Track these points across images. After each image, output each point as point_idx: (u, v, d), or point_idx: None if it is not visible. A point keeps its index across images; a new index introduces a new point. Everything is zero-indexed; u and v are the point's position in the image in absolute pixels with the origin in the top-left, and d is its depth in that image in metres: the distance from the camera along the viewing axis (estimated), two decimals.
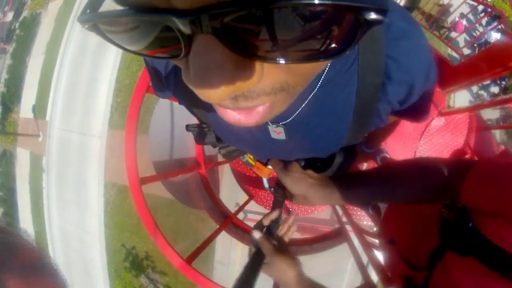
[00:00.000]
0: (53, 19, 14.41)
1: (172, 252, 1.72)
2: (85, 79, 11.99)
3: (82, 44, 12.26)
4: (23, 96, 15.24)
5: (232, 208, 2.86)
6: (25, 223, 15.19)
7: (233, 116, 0.41)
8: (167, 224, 9.77)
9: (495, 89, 6.39)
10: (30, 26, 15.63)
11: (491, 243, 0.65)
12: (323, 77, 0.62)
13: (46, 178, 13.38)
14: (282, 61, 0.29)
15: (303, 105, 0.67)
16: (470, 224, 0.72)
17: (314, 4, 0.23)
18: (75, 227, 12.55)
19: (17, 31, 16.50)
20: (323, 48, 0.29)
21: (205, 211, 3.05)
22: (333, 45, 0.29)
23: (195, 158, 2.70)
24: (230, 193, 6.63)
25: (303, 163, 1.01)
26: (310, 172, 0.98)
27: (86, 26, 0.31)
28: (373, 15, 0.24)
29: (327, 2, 0.23)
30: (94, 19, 0.30)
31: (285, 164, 1.02)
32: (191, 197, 3.02)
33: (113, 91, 11.08)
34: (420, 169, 0.90)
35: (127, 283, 11.15)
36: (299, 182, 0.96)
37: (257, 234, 0.96)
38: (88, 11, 0.33)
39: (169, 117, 2.67)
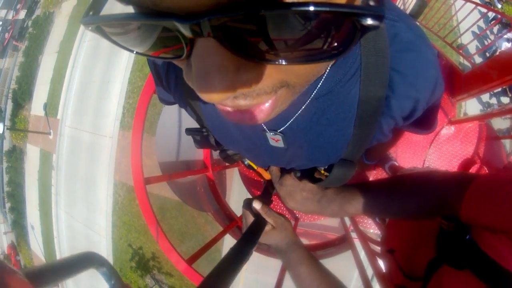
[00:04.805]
0: (67, 19, 14.59)
1: (173, 252, 1.71)
2: (97, 79, 12.13)
3: (96, 44, 12.39)
4: (34, 94, 15.46)
5: (241, 213, 2.85)
6: (32, 219, 15.35)
7: (236, 115, 0.41)
8: (176, 226, 9.79)
9: (505, 99, 6.33)
10: (43, 25, 15.87)
11: (488, 257, 0.64)
12: (320, 85, 0.61)
13: (55, 175, 13.52)
14: (281, 63, 0.30)
15: (299, 112, 0.66)
16: (468, 237, 0.72)
17: (311, 12, 0.24)
18: (82, 225, 12.65)
19: (30, 29, 16.76)
20: (321, 50, 0.29)
21: (211, 214, 3.04)
22: (331, 47, 0.29)
23: (202, 161, 2.70)
24: (240, 197, 6.62)
25: (298, 174, 1.01)
26: (305, 182, 0.98)
27: (89, 28, 0.31)
28: (369, 21, 0.25)
29: (324, 9, 0.24)
30: (97, 21, 0.31)
31: (281, 175, 1.03)
32: (197, 199, 3.01)
33: (125, 93, 11.22)
34: (417, 186, 0.89)
35: (132, 282, 11.17)
36: (292, 195, 0.98)
37: (258, 205, 0.98)
38: (91, 13, 0.34)
39: (177, 118, 2.67)
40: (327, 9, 0.24)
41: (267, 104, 0.39)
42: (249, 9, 0.24)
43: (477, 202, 0.71)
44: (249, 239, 0.85)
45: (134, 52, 0.36)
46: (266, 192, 1.14)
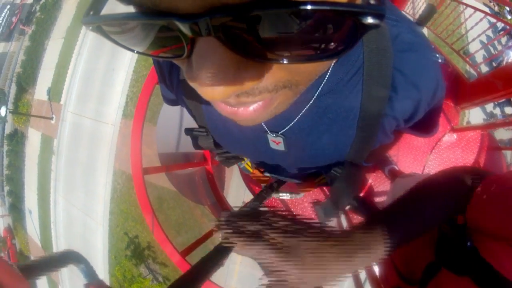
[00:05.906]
0: (75, 5, 14.57)
1: (167, 244, 1.71)
2: (102, 66, 12.13)
3: None
4: (39, 78, 15.45)
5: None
6: (30, 203, 15.37)
7: (230, 109, 0.41)
8: (173, 217, 9.78)
9: (509, 110, 6.31)
10: (51, 10, 15.84)
11: (488, 265, 0.63)
12: (323, 84, 0.60)
13: (55, 160, 13.53)
14: (282, 61, 0.30)
15: (302, 112, 0.65)
16: (469, 244, 0.71)
17: (311, 10, 0.24)
18: (80, 211, 12.66)
19: (37, 14, 16.71)
20: (322, 49, 0.29)
21: (207, 207, 3.04)
22: (332, 46, 0.29)
23: (202, 153, 2.70)
24: (238, 192, 6.59)
25: (297, 181, 0.98)
26: (304, 222, 0.65)
27: (90, 27, 0.31)
28: (370, 20, 0.25)
29: (324, 8, 0.24)
30: (97, 21, 0.31)
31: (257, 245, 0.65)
32: (195, 192, 3.01)
33: (129, 81, 11.22)
34: (448, 184, 0.78)
35: (126, 271, 11.19)
36: (296, 255, 0.57)
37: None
38: (91, 13, 0.33)
39: (179, 109, 2.66)
40: (327, 8, 0.24)
41: (260, 102, 0.39)
42: (249, 9, 0.24)
43: (483, 205, 0.70)
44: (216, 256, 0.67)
45: (135, 52, 0.35)
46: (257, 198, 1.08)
